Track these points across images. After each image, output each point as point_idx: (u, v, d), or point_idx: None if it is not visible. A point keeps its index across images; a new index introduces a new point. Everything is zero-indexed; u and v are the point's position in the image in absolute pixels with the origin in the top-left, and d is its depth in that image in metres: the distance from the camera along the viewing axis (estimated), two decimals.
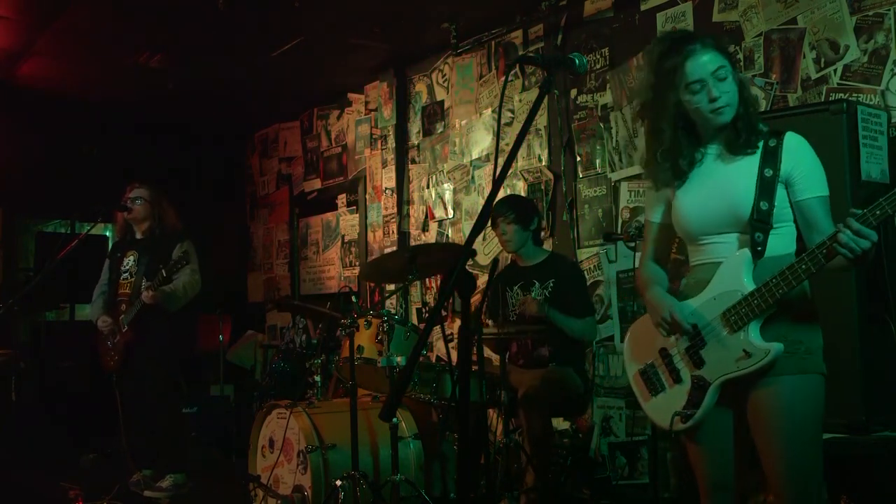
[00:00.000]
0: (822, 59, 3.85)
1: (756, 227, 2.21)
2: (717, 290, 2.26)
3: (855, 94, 3.68)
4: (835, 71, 3.80)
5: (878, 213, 1.94)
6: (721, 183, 2.28)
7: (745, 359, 2.17)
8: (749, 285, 2.19)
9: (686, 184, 2.34)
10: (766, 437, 2.20)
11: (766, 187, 2.21)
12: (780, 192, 2.23)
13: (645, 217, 2.58)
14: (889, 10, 3.61)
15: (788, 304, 2.18)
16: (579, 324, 4.00)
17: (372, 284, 6.51)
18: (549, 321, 3.89)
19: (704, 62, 2.22)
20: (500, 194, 4.02)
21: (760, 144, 2.25)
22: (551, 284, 4.04)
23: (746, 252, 2.22)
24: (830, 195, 2.27)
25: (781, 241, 2.23)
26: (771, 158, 2.22)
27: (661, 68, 2.28)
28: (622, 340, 4.64)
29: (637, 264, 2.59)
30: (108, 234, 7.39)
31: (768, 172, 2.21)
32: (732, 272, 2.23)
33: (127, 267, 4.92)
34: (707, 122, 2.28)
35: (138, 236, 5.00)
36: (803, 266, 2.08)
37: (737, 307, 2.20)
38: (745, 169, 2.25)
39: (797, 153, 2.24)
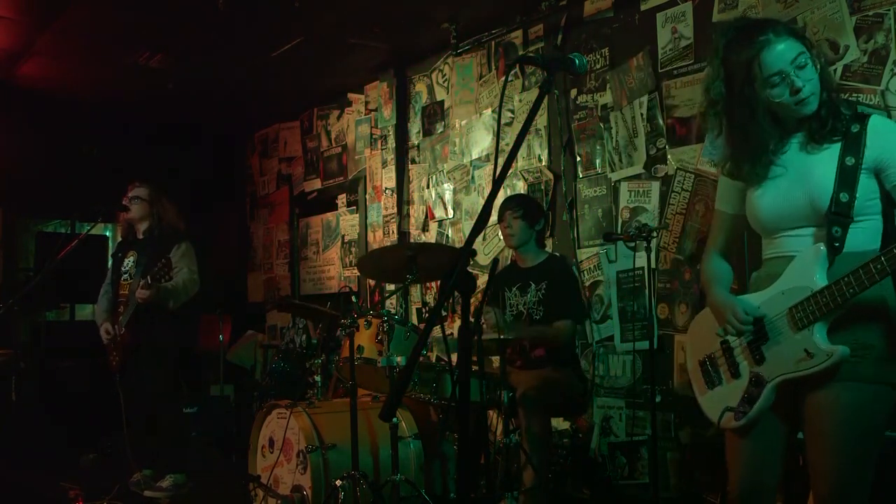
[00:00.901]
0: (822, 59, 3.84)
1: (834, 220, 2.07)
2: (787, 285, 2.15)
3: (855, 94, 3.67)
4: (835, 71, 3.80)
5: None
6: (800, 174, 2.16)
7: (807, 359, 2.06)
8: (821, 282, 2.06)
9: (762, 179, 2.23)
10: (818, 447, 2.09)
11: (846, 177, 2.07)
12: (865, 182, 2.09)
13: (715, 206, 2.44)
14: (889, 10, 3.61)
15: (863, 306, 2.05)
16: (548, 331, 3.98)
17: (372, 283, 6.51)
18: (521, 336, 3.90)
19: (782, 51, 2.09)
20: (501, 194, 4.03)
21: (844, 132, 2.11)
22: (544, 286, 4.06)
23: (822, 247, 2.09)
24: None
25: (863, 236, 2.08)
26: (853, 145, 2.08)
27: (734, 61, 2.15)
28: (622, 340, 4.67)
29: (703, 255, 2.46)
30: (108, 234, 7.40)
31: (850, 161, 2.07)
32: (805, 267, 2.11)
33: (126, 268, 4.93)
34: (792, 114, 2.16)
35: (139, 236, 5.01)
36: (878, 266, 1.92)
37: (804, 304, 2.08)
38: (827, 158, 2.12)
39: (884, 136, 2.09)
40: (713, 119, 2.28)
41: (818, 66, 2.14)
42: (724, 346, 2.29)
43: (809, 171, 2.15)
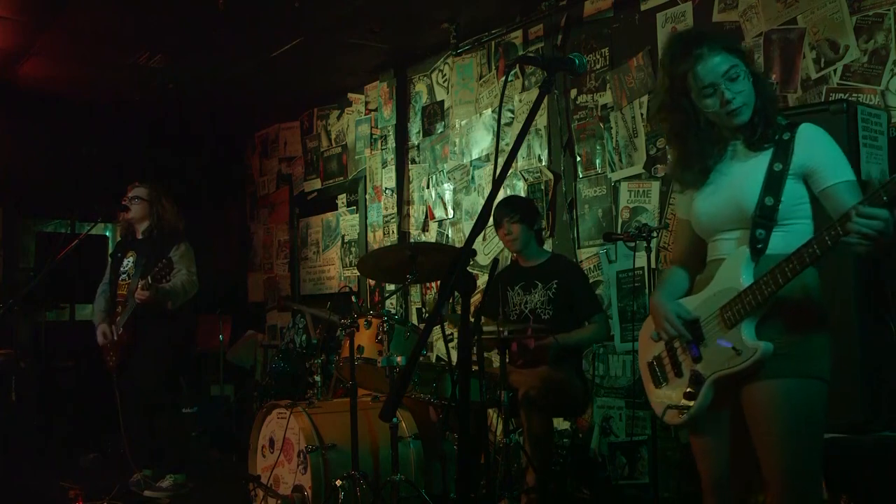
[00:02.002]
0: (822, 59, 3.85)
1: (758, 223, 2.18)
2: (718, 287, 2.25)
3: (855, 94, 3.68)
4: (835, 71, 3.80)
5: (890, 188, 1.84)
6: (733, 179, 2.26)
7: (735, 356, 2.16)
8: (746, 282, 2.16)
9: (701, 185, 2.33)
10: (757, 440, 2.19)
11: (773, 182, 2.17)
12: (792, 188, 2.18)
13: (676, 214, 2.55)
14: (889, 10, 3.61)
15: (788, 303, 2.14)
16: (589, 333, 4.01)
17: (372, 283, 6.52)
18: (564, 349, 3.90)
19: (714, 65, 2.19)
20: (501, 194, 4.02)
21: (775, 139, 2.22)
22: (555, 286, 4.03)
23: (745, 249, 2.20)
24: None
25: (791, 239, 2.14)
26: (782, 152, 2.19)
27: (674, 73, 2.26)
28: (622, 340, 4.67)
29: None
30: (108, 234, 7.39)
31: (777, 167, 2.18)
32: (732, 269, 2.22)
33: (125, 268, 4.93)
34: (725, 123, 2.26)
35: (138, 236, 5.00)
36: (790, 265, 2.04)
37: (732, 304, 2.18)
38: (757, 164, 2.22)
39: (811, 143, 2.19)
40: (660, 127, 2.42)
41: (752, 78, 2.23)
42: (669, 346, 2.39)
43: (740, 176, 2.26)
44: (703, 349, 2.27)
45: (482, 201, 5.61)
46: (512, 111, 5.46)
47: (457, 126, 5.92)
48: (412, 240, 6.25)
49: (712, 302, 2.25)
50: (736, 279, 2.19)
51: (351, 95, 6.97)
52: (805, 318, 2.18)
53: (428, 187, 6.18)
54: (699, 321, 2.28)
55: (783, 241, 2.16)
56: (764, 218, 2.18)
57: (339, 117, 7.21)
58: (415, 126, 6.35)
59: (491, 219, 4.14)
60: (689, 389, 2.28)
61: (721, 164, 2.31)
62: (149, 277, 4.48)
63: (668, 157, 2.46)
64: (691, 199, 2.38)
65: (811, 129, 2.22)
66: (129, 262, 4.93)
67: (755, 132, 2.23)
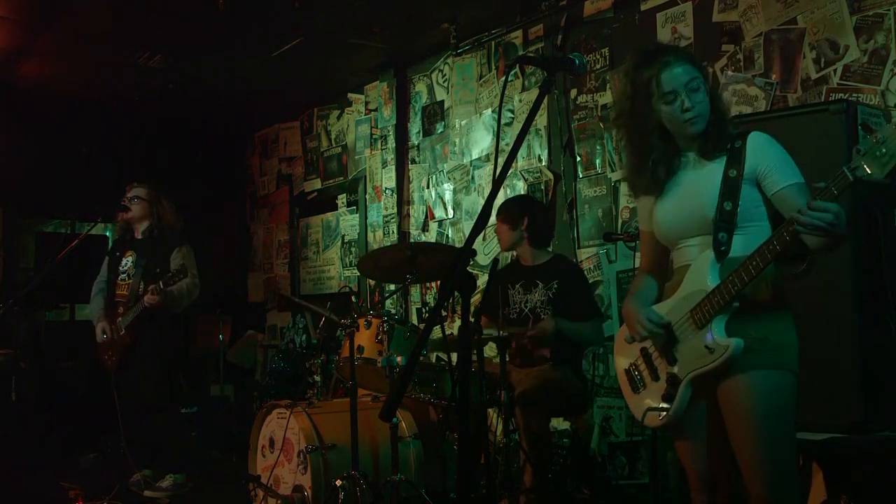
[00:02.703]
0: (822, 59, 3.85)
1: (720, 227, 2.28)
2: (686, 291, 2.35)
3: (855, 94, 3.67)
4: (835, 71, 3.80)
5: (839, 183, 1.96)
6: (691, 188, 2.37)
7: (708, 355, 2.25)
8: (713, 283, 2.26)
9: (664, 192, 2.44)
10: (734, 433, 2.26)
11: (729, 187, 2.28)
12: (747, 192, 2.29)
13: (640, 227, 2.66)
14: (889, 10, 3.61)
15: (753, 301, 2.24)
16: (587, 328, 4.01)
17: (372, 283, 6.52)
18: (561, 334, 3.90)
19: (678, 74, 2.30)
20: (501, 194, 4.02)
21: (729, 147, 2.33)
22: (555, 286, 4.02)
23: (710, 252, 2.30)
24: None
25: (749, 241, 2.25)
26: (735, 159, 2.30)
27: (638, 79, 2.36)
28: None
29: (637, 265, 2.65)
30: (108, 234, 7.39)
31: (732, 173, 2.29)
32: (699, 272, 2.32)
33: (125, 268, 4.92)
34: (681, 131, 2.36)
35: (137, 236, 5.00)
36: (754, 262, 2.14)
37: (701, 305, 2.27)
38: (713, 172, 2.33)
39: (760, 149, 2.30)
40: (616, 132, 2.54)
41: (709, 93, 2.36)
42: (644, 353, 2.48)
43: (698, 184, 2.36)
44: (676, 352, 2.35)
45: (482, 201, 5.61)
46: (512, 111, 5.46)
47: (457, 126, 5.92)
48: (412, 240, 6.25)
49: (682, 305, 2.35)
50: (703, 281, 2.29)
51: (351, 95, 6.97)
52: (772, 314, 2.28)
53: (428, 187, 6.18)
54: (671, 325, 2.36)
55: (744, 242, 2.26)
56: (724, 222, 2.28)
57: (339, 117, 7.21)
58: (415, 126, 6.35)
59: (494, 213, 4.15)
60: (666, 392, 2.36)
61: (676, 174, 2.42)
62: (160, 283, 4.50)
63: (626, 164, 2.56)
64: (651, 210, 2.49)
65: (760, 137, 2.33)
66: (128, 261, 4.93)
67: (710, 142, 2.35)
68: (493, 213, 4.20)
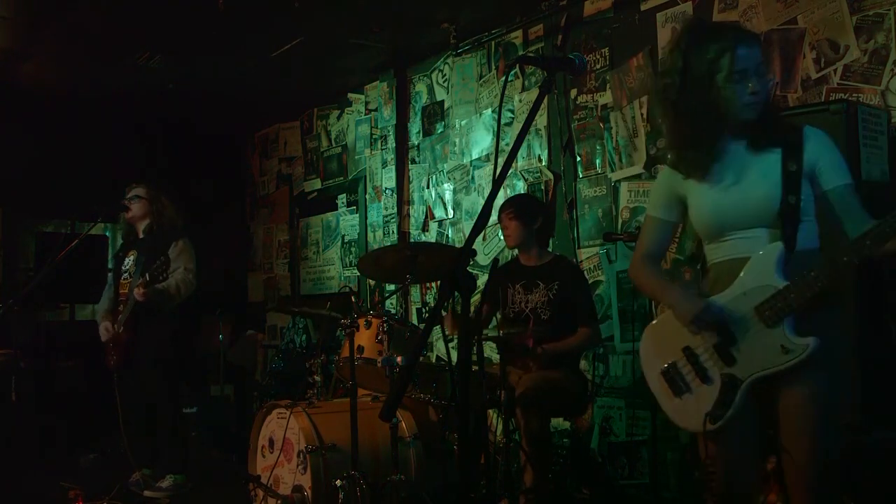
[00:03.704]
0: (822, 59, 3.85)
1: (787, 220, 2.20)
2: (748, 286, 2.22)
3: (855, 94, 3.67)
4: (835, 71, 3.80)
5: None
6: (747, 178, 2.26)
7: (783, 354, 2.14)
8: (780, 279, 2.16)
9: (707, 179, 2.30)
10: (798, 434, 2.18)
11: (792, 181, 2.20)
12: (805, 187, 2.22)
13: (647, 212, 2.53)
14: (889, 10, 3.61)
15: (822, 298, 2.14)
16: (577, 341, 3.99)
17: (372, 283, 6.51)
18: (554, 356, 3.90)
19: (754, 54, 2.22)
20: (501, 194, 4.02)
21: (782, 140, 2.25)
22: (556, 287, 4.02)
23: (780, 245, 2.19)
24: None
25: (808, 236, 2.21)
26: (793, 153, 2.22)
27: (699, 53, 2.23)
28: (622, 340, 4.67)
29: (633, 263, 2.55)
30: (108, 234, 7.39)
31: (792, 167, 2.21)
32: (763, 267, 2.20)
33: (127, 267, 4.94)
34: (736, 116, 2.25)
35: (140, 235, 5.02)
36: (844, 258, 2.06)
37: (771, 301, 2.16)
38: (771, 164, 2.24)
39: (819, 145, 2.24)
40: (660, 108, 2.39)
41: (770, 81, 2.35)
42: (688, 352, 2.33)
43: (754, 175, 2.26)
44: (735, 351, 2.23)
45: (482, 201, 5.61)
46: (512, 111, 5.46)
47: (457, 126, 5.92)
48: (412, 240, 6.25)
49: (743, 302, 2.22)
50: (770, 276, 2.18)
51: (351, 95, 6.97)
52: (836, 312, 2.21)
53: (428, 187, 6.18)
54: (728, 322, 2.25)
55: (805, 237, 2.20)
56: (790, 215, 2.20)
57: (339, 117, 7.21)
58: (415, 126, 6.34)
59: (495, 212, 4.14)
60: (721, 395, 2.23)
61: (724, 161, 2.29)
62: (146, 276, 4.49)
63: (666, 139, 2.42)
64: (674, 197, 2.39)
65: (818, 133, 2.27)
66: (129, 260, 4.95)
67: (763, 132, 2.26)
68: (495, 211, 4.20)
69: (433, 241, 6.05)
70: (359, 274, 6.62)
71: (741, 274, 2.24)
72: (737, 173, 2.27)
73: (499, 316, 4.15)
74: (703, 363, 2.30)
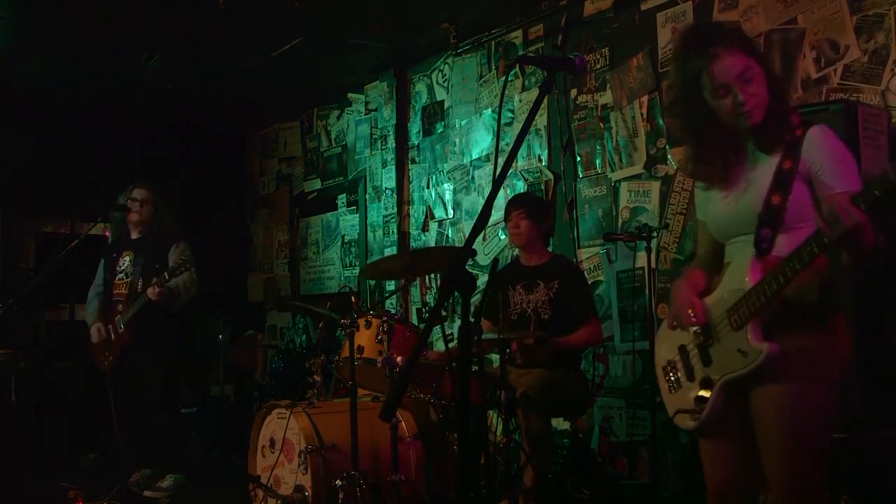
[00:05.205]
0: (823, 59, 3.85)
1: (763, 222, 2.13)
2: (726, 290, 2.23)
3: (855, 94, 3.67)
4: (835, 71, 3.80)
5: (882, 184, 1.77)
6: (745, 183, 2.22)
7: (742, 358, 2.13)
8: (751, 283, 2.13)
9: (721, 187, 2.27)
10: (764, 443, 2.16)
11: (781, 180, 2.11)
12: (800, 189, 2.12)
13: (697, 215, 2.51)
14: (889, 10, 3.61)
15: (799, 302, 2.09)
16: (584, 338, 4.00)
17: (372, 283, 6.51)
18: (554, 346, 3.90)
19: (729, 66, 2.12)
20: (501, 194, 4.02)
21: (788, 139, 2.16)
22: (556, 286, 4.02)
23: (751, 249, 2.16)
24: None
25: (797, 242, 2.03)
26: (792, 151, 2.13)
27: (687, 68, 2.20)
28: (622, 340, 4.67)
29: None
30: (108, 234, 7.40)
31: (786, 165, 2.12)
32: (739, 271, 2.19)
33: (123, 267, 4.92)
34: (737, 123, 2.19)
35: (134, 236, 5.00)
36: (792, 263, 2.00)
37: (738, 305, 2.15)
38: (769, 165, 2.17)
39: (817, 144, 2.12)
40: (674, 120, 2.37)
41: (768, 78, 2.17)
42: (682, 350, 2.36)
43: (753, 179, 2.21)
44: (712, 352, 2.24)
45: (482, 201, 5.61)
46: (512, 111, 5.46)
47: (457, 126, 5.92)
48: (412, 240, 6.25)
49: (721, 304, 2.23)
50: (741, 280, 2.16)
51: (351, 95, 6.97)
52: (816, 319, 2.12)
53: (428, 187, 6.18)
54: (711, 322, 2.25)
55: (791, 242, 2.07)
56: (770, 217, 2.12)
57: (339, 117, 7.21)
58: (415, 126, 6.34)
59: (496, 212, 4.14)
60: (700, 393, 2.25)
61: (736, 166, 2.24)
62: (165, 274, 4.48)
63: (685, 152, 2.40)
64: (707, 201, 2.34)
65: (819, 130, 2.15)
66: (126, 261, 4.93)
67: (769, 134, 2.17)
68: (496, 211, 4.19)
69: (433, 241, 6.05)
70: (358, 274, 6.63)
71: (724, 278, 2.26)
72: (740, 178, 2.23)
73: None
74: (691, 361, 2.32)
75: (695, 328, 2.29)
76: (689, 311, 2.26)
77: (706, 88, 2.17)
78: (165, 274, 4.49)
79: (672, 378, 2.39)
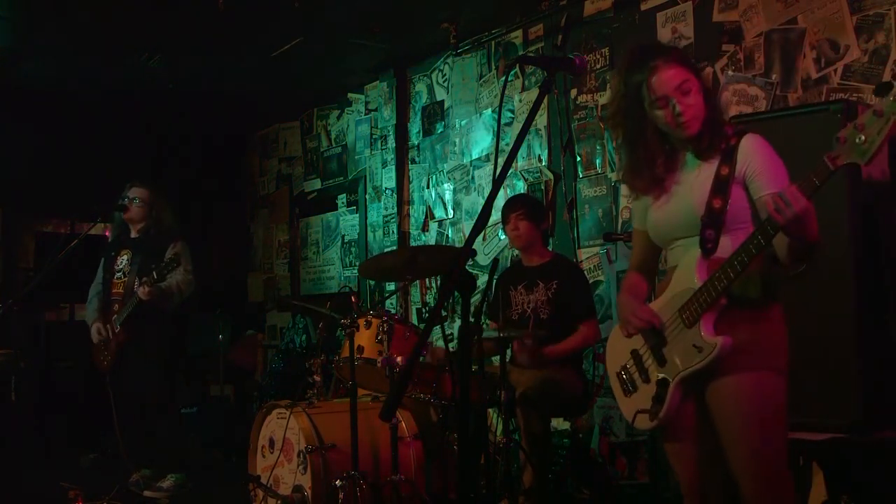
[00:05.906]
0: (823, 59, 3.85)
1: (707, 224, 2.25)
2: (675, 290, 2.33)
3: (855, 94, 3.67)
4: (835, 71, 3.80)
5: (820, 174, 1.94)
6: (684, 188, 2.34)
7: (697, 353, 2.23)
8: (700, 281, 2.23)
9: (657, 195, 2.40)
10: (723, 436, 2.25)
11: (720, 185, 2.25)
12: (737, 193, 2.26)
13: (634, 225, 2.64)
14: (889, 10, 3.61)
15: (744, 298, 2.22)
16: (578, 342, 4.00)
17: (372, 283, 6.51)
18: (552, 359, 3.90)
19: (668, 78, 2.25)
20: (501, 194, 4.02)
21: (723, 147, 2.30)
22: (555, 286, 4.03)
23: (697, 250, 2.27)
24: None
25: (738, 242, 2.19)
26: (728, 158, 2.27)
27: (630, 81, 2.33)
28: None
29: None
30: (108, 234, 7.40)
31: (724, 172, 2.26)
32: (686, 271, 2.30)
33: (121, 266, 4.92)
34: (675, 133, 2.33)
35: (133, 235, 5.00)
36: (739, 258, 2.12)
37: (689, 303, 2.25)
38: (707, 171, 2.30)
39: (751, 151, 2.26)
40: (613, 131, 2.51)
41: (703, 92, 2.30)
42: (634, 354, 2.45)
43: (692, 184, 2.33)
44: (666, 352, 2.33)
45: (482, 201, 5.61)
46: (512, 111, 5.46)
47: (457, 126, 5.92)
48: (412, 240, 6.25)
49: (671, 305, 2.32)
50: (690, 280, 2.27)
51: (351, 95, 6.97)
52: (762, 313, 2.25)
53: (428, 187, 6.18)
54: (662, 325, 2.34)
55: (733, 243, 2.20)
56: (712, 219, 2.25)
57: (339, 117, 7.21)
58: (415, 126, 6.35)
59: (495, 212, 4.14)
60: (656, 393, 2.33)
61: (674, 173, 2.38)
62: (154, 273, 4.47)
63: (624, 162, 2.52)
64: (646, 209, 2.46)
65: (752, 138, 2.30)
66: (123, 260, 4.92)
67: (705, 142, 2.31)
68: (496, 211, 4.20)
69: (433, 240, 6.05)
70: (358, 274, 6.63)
71: (672, 280, 2.36)
72: (680, 184, 2.36)
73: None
74: (644, 364, 2.41)
75: (647, 331, 2.38)
76: (639, 316, 2.37)
77: (646, 100, 2.30)
78: (154, 273, 4.47)
79: (627, 382, 2.47)
